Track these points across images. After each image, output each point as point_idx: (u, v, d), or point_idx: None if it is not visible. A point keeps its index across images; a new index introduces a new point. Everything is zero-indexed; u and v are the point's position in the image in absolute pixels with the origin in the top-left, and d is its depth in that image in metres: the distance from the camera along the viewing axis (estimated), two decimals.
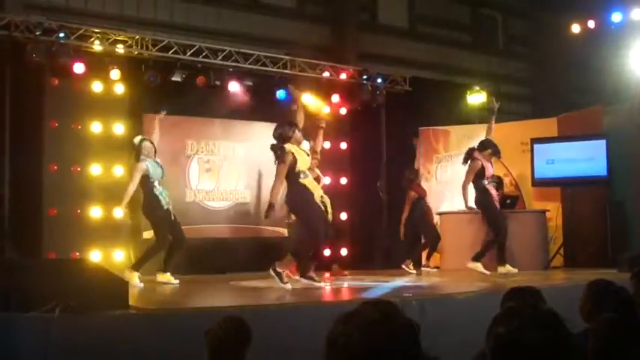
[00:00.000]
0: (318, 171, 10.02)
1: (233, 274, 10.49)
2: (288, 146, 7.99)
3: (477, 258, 9.80)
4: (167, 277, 8.89)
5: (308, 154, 8.31)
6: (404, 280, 9.48)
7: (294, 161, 7.96)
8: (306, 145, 8.61)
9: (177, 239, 9.06)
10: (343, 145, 12.88)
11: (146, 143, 8.98)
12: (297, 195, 8.08)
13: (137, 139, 9.09)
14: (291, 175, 7.99)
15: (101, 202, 10.46)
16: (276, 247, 11.94)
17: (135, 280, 8.40)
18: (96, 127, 10.55)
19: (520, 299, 3.46)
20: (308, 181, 8.11)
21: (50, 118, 10.24)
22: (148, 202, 8.96)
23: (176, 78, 11.11)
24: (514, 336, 1.95)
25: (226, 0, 13.57)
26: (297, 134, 8.17)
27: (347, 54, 14.02)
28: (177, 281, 8.88)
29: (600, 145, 11.28)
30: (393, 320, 2.04)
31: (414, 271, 10.69)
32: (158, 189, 8.90)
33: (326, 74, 12.47)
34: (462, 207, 11.67)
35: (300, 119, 8.33)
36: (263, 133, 12.09)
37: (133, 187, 8.84)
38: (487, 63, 16.88)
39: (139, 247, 10.73)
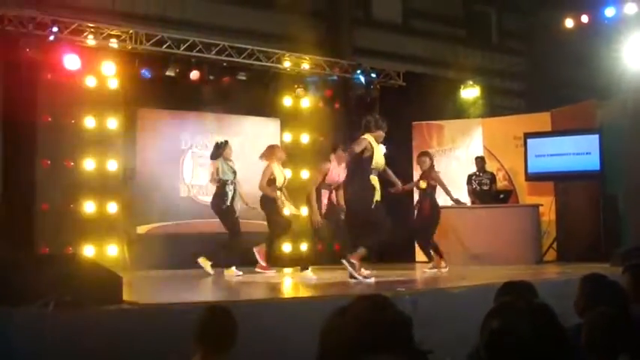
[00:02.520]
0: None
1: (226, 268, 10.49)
2: (367, 136, 8.04)
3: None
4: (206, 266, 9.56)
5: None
6: (398, 274, 9.48)
7: (371, 153, 7.96)
8: (382, 148, 8.47)
9: None
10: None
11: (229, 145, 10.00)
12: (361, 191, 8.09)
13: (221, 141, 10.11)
14: (363, 168, 8.01)
15: (94, 197, 10.45)
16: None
17: (233, 272, 9.37)
18: (89, 122, 10.53)
19: (514, 293, 3.47)
20: (374, 179, 8.08)
21: (43, 113, 10.21)
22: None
23: (170, 72, 11.08)
24: (507, 330, 1.95)
25: None
26: (380, 131, 8.16)
27: (341, 49, 14.00)
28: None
29: (593, 139, 11.31)
30: (386, 314, 2.05)
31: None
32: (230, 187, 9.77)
33: (320, 69, 12.46)
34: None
35: None
36: (257, 127, 12.14)
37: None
38: (481, 58, 16.86)
39: (132, 242, 10.73)
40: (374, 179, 8.03)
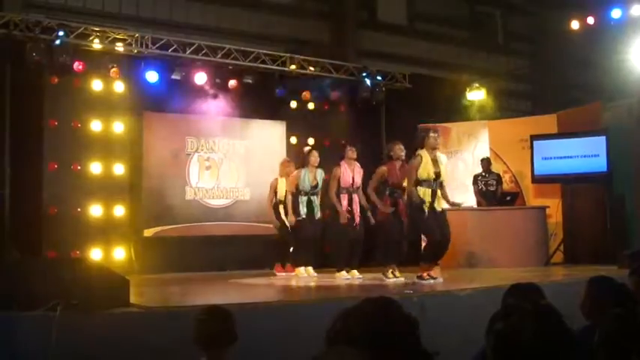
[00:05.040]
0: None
1: (233, 271, 10.51)
2: (420, 151, 8.33)
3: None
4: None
5: (436, 165, 8.35)
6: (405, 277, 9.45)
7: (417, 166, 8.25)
8: (443, 158, 8.67)
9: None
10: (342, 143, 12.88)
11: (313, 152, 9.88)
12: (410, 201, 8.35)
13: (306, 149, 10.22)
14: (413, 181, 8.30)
15: (101, 201, 10.48)
16: (275, 245, 11.94)
17: (302, 273, 9.50)
18: (95, 126, 10.56)
19: (520, 296, 3.47)
20: (423, 190, 8.24)
21: (50, 117, 10.25)
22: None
23: (176, 76, 11.11)
24: (514, 332, 1.95)
25: None
26: (431, 140, 8.37)
27: (346, 51, 14.01)
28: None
29: (600, 141, 11.27)
30: (391, 316, 2.05)
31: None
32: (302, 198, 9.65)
33: (326, 72, 12.46)
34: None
35: None
36: (262, 130, 12.15)
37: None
38: (486, 60, 16.84)
39: (139, 244, 10.75)
40: (423, 191, 8.24)
